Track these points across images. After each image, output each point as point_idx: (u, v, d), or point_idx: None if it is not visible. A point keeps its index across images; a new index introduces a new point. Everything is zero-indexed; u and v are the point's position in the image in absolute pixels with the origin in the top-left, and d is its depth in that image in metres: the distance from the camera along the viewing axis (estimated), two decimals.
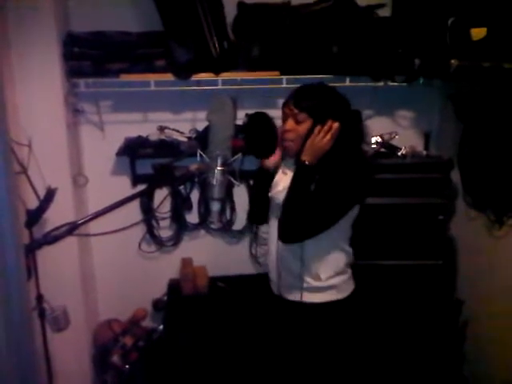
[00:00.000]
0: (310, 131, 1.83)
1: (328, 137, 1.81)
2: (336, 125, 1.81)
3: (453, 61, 2.24)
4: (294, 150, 1.89)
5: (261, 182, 2.07)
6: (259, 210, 2.11)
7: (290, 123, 1.86)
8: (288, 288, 2.01)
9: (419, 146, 2.89)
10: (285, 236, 1.89)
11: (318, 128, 1.81)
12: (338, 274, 1.98)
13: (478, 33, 2.09)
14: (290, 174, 1.93)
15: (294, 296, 1.99)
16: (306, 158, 1.83)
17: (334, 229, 1.86)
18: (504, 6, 2.03)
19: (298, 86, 1.94)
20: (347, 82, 2.59)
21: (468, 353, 2.65)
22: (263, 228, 2.95)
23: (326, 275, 1.95)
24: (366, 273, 2.66)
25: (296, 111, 1.84)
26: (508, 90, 2.09)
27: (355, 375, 2.18)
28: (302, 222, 1.83)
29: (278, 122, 2.48)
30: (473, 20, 2.15)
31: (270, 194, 2.02)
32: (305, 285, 1.94)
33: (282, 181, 1.98)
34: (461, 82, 2.33)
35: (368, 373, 2.44)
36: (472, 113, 2.40)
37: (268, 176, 2.04)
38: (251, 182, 2.10)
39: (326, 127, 1.80)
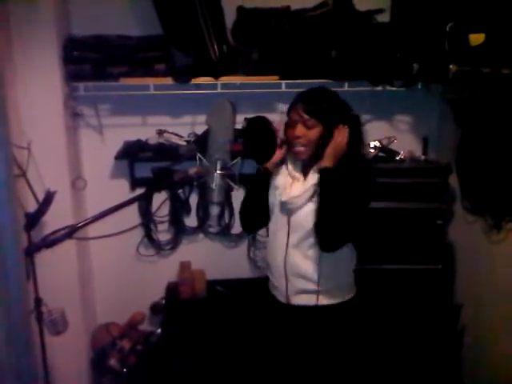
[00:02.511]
0: (323, 136, 1.84)
1: (345, 139, 1.83)
2: (347, 127, 1.84)
3: (451, 66, 2.24)
4: (306, 156, 1.89)
5: (259, 187, 2.04)
6: (258, 215, 2.06)
7: (301, 129, 1.85)
8: (299, 293, 1.98)
9: (417, 150, 2.90)
10: (328, 244, 1.87)
11: (338, 132, 1.83)
12: (349, 275, 2.01)
13: (476, 38, 2.09)
14: (301, 178, 1.93)
15: (307, 300, 1.97)
16: (329, 163, 1.83)
17: None
18: (502, 11, 2.04)
19: (301, 90, 1.93)
20: (346, 87, 2.60)
21: (467, 357, 2.65)
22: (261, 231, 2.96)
23: (339, 276, 1.96)
24: (365, 277, 2.66)
25: (306, 117, 1.83)
26: (506, 95, 2.10)
27: (357, 378, 2.18)
28: (343, 227, 1.83)
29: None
30: (471, 25, 2.15)
31: (283, 199, 1.94)
32: (321, 288, 1.93)
33: (294, 186, 1.94)
34: (459, 87, 2.34)
35: (368, 377, 2.44)
36: (470, 118, 2.40)
37: (267, 180, 2.02)
38: (247, 188, 2.02)
39: (342, 130, 1.83)
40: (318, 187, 1.86)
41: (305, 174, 1.94)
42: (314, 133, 1.84)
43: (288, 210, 1.94)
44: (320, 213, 1.84)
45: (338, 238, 1.86)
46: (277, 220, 2.00)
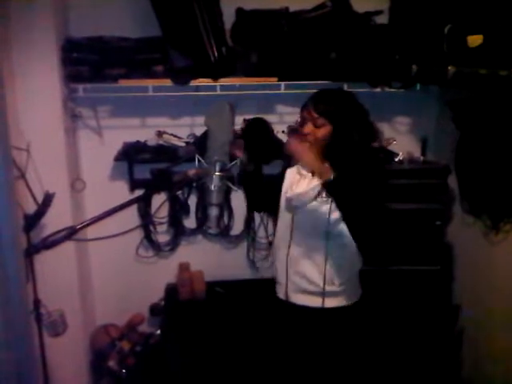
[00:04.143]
0: (331, 136, 1.85)
1: (301, 148, 1.83)
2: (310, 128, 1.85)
3: (449, 67, 2.25)
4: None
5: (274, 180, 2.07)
6: (261, 196, 2.12)
7: (309, 127, 1.87)
8: (299, 292, 1.99)
9: (416, 151, 2.91)
10: (366, 246, 1.89)
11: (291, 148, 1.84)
12: (354, 278, 2.01)
13: (474, 40, 2.10)
14: (308, 176, 1.94)
15: (307, 301, 1.97)
16: (324, 176, 1.80)
17: None
18: (500, 13, 2.05)
19: (302, 92, 1.96)
20: (345, 88, 2.60)
21: (466, 358, 2.66)
22: (260, 233, 2.97)
23: (344, 279, 1.95)
24: (364, 278, 2.67)
25: (315, 115, 1.85)
26: (504, 96, 2.10)
27: (356, 378, 2.18)
28: (370, 225, 1.82)
29: (276, 128, 2.50)
30: (469, 27, 2.16)
31: (288, 195, 1.98)
32: (322, 290, 1.92)
33: (301, 183, 1.97)
34: (457, 88, 2.34)
35: (367, 377, 2.44)
36: (469, 119, 2.41)
37: (255, 174, 2.07)
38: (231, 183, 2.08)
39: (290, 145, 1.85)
40: (323, 187, 1.85)
41: (313, 172, 1.94)
42: (322, 132, 1.86)
43: (293, 206, 1.96)
44: (346, 222, 1.84)
45: (369, 236, 1.85)
46: (282, 216, 2.03)
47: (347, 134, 1.85)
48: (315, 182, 1.89)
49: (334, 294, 1.94)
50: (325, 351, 2.00)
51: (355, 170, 1.83)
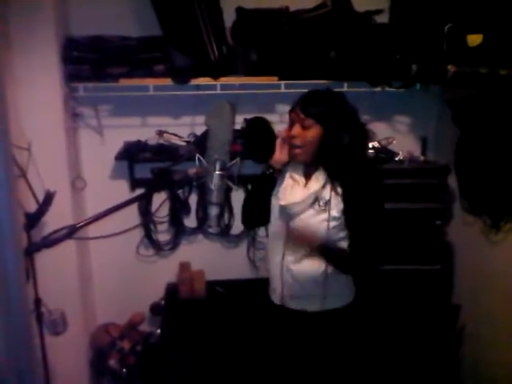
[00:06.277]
0: (321, 139, 1.80)
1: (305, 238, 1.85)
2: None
3: (449, 67, 2.25)
4: (303, 157, 1.86)
5: (263, 185, 1.98)
6: (258, 214, 2.03)
7: (297, 129, 1.82)
8: (294, 297, 1.96)
9: (416, 151, 2.91)
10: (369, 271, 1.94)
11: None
12: (347, 281, 1.99)
13: (474, 39, 2.10)
14: (302, 182, 1.90)
15: (303, 305, 1.96)
16: (314, 247, 1.83)
17: None
18: (500, 12, 2.05)
19: (302, 91, 1.90)
20: (345, 88, 2.60)
21: (466, 358, 2.66)
22: (260, 232, 2.97)
23: (337, 283, 1.93)
24: (364, 278, 2.67)
25: (302, 116, 1.80)
26: (504, 95, 2.10)
27: (355, 378, 2.18)
28: (377, 253, 1.85)
29: (277, 127, 2.50)
30: (469, 26, 2.16)
31: (282, 203, 1.91)
32: (317, 294, 1.90)
33: (295, 190, 1.91)
34: (457, 87, 2.34)
35: (367, 377, 2.44)
36: (469, 118, 2.41)
37: (272, 179, 1.96)
38: (249, 186, 1.98)
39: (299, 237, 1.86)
40: (321, 194, 1.84)
41: (306, 177, 1.91)
42: (311, 133, 1.80)
43: (287, 214, 1.91)
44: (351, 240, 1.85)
45: (374, 263, 1.90)
46: (276, 223, 1.97)
47: (337, 135, 1.80)
48: (311, 190, 1.85)
49: (332, 297, 1.92)
50: (324, 353, 1.99)
51: (355, 190, 1.81)
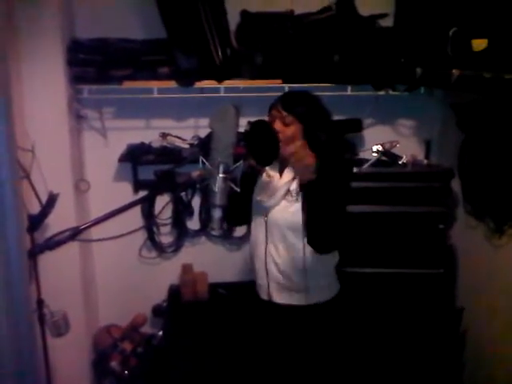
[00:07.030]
0: (301, 136, 1.85)
1: (305, 152, 1.79)
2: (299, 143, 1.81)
3: (454, 71, 2.25)
4: (281, 152, 1.85)
5: (247, 184, 2.07)
6: (242, 212, 2.11)
7: (278, 125, 1.88)
8: (280, 291, 2.00)
9: (420, 154, 2.91)
10: (322, 250, 1.89)
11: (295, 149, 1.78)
12: (331, 272, 2.04)
13: (479, 44, 2.10)
14: (276, 177, 1.97)
15: (289, 299, 1.99)
16: (308, 175, 1.77)
17: None
18: (504, 17, 2.05)
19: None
20: (349, 91, 2.61)
21: (468, 361, 2.65)
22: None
23: (322, 275, 1.98)
24: (367, 281, 2.67)
25: (284, 113, 1.86)
26: (508, 100, 2.10)
27: (357, 379, 2.18)
28: (333, 231, 1.83)
29: None
30: (474, 31, 2.16)
31: (258, 198, 1.99)
32: (302, 287, 1.94)
33: (269, 185, 1.98)
34: (462, 91, 2.34)
35: (370, 379, 2.44)
36: (473, 122, 2.41)
37: (253, 177, 2.06)
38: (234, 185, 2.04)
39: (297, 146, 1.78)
40: (291, 186, 1.90)
41: (281, 172, 1.97)
42: (291, 130, 1.86)
43: (264, 208, 1.98)
44: (309, 224, 1.81)
45: (329, 242, 1.87)
46: (256, 219, 2.05)
47: (315, 133, 1.88)
48: (282, 182, 1.92)
49: (316, 289, 1.97)
50: (312, 347, 2.01)
51: (329, 172, 1.82)
